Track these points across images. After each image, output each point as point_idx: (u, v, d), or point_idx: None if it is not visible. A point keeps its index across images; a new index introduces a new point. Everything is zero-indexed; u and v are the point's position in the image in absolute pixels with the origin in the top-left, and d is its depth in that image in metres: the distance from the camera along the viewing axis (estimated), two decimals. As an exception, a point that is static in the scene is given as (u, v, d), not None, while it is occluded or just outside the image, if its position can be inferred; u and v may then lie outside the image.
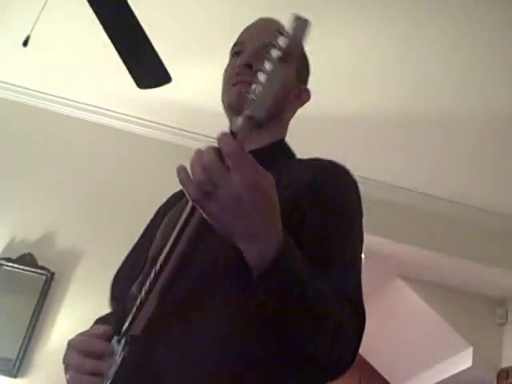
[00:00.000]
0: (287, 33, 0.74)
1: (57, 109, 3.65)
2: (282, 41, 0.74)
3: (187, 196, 0.80)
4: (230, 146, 0.76)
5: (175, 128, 3.66)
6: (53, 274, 3.21)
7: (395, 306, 4.21)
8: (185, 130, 3.65)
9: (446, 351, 4.03)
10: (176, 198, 1.27)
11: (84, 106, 3.64)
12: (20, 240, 3.29)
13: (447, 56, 2.86)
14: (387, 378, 4.95)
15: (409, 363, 4.42)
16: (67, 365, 0.98)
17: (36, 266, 3.20)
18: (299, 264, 0.87)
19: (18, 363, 3.00)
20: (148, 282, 0.95)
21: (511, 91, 2.97)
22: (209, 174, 0.77)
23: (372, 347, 4.85)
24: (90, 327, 1.05)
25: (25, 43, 1.94)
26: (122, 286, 1.21)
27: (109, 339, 0.98)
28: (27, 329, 3.08)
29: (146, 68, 2.32)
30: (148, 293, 0.95)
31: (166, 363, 0.93)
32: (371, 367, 5.00)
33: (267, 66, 0.75)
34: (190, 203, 0.84)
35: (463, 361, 3.88)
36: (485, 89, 3.00)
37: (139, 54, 2.30)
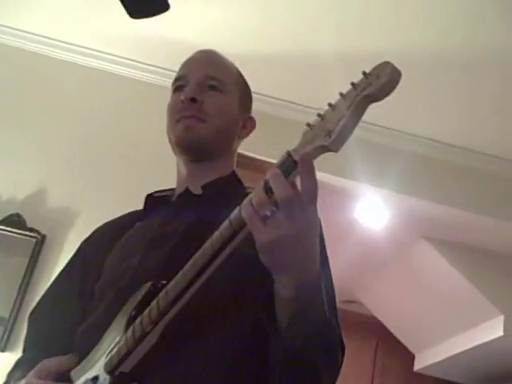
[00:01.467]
0: (377, 79, 0.80)
1: (44, 51, 3.27)
2: (367, 85, 0.80)
3: (246, 220, 0.84)
4: (285, 194, 0.81)
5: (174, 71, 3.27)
6: (44, 236, 2.95)
7: (418, 268, 3.97)
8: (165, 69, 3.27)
9: (476, 318, 3.80)
10: (117, 226, 1.25)
11: (74, 47, 3.27)
12: (6, 199, 3.00)
13: None
14: (407, 344, 4.74)
15: (432, 330, 4.21)
16: None
17: (25, 227, 2.94)
18: (325, 302, 0.91)
19: (5, 336, 2.74)
20: (151, 313, 0.92)
21: None
22: (284, 202, 0.81)
23: (391, 312, 4.61)
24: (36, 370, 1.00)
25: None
26: (48, 321, 1.20)
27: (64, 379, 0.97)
28: (17, 295, 2.82)
29: (140, -7, 1.96)
30: (153, 324, 0.91)
31: None
32: (389, 333, 4.78)
33: (344, 106, 0.81)
34: (226, 232, 0.87)
35: (494, 329, 3.64)
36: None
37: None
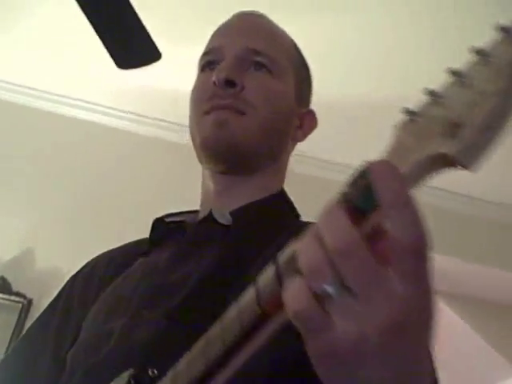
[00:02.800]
0: None
1: (31, 103, 3.21)
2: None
3: (289, 307, 0.44)
4: (402, 198, 0.43)
5: (172, 123, 3.17)
6: (30, 300, 2.85)
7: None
8: (183, 125, 3.19)
9: (490, 378, 3.67)
10: (116, 261, 0.92)
11: (62, 99, 3.20)
12: (-10, 261, 2.89)
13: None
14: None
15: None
16: None
17: (10, 292, 2.84)
18: None
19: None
20: None
21: None
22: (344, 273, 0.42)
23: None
24: None
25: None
26: None
27: None
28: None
29: (128, 42, 1.85)
30: None
31: None
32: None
33: (485, 75, 0.42)
34: (253, 309, 0.48)
35: (511, 388, 3.45)
36: None
37: (119, 25, 1.84)
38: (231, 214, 0.82)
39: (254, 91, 0.86)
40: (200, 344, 0.53)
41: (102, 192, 3.07)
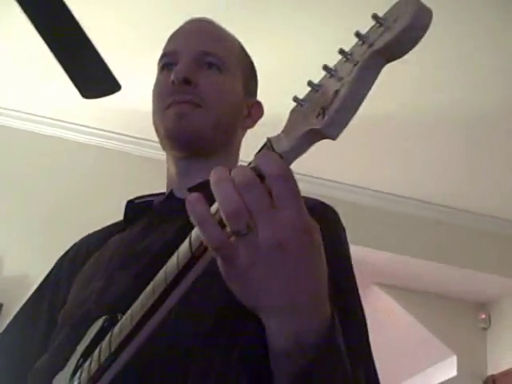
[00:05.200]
0: (393, 23, 0.50)
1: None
2: (379, 34, 0.51)
3: (206, 240, 0.55)
4: (279, 168, 0.53)
5: (133, 137, 3.38)
6: (0, 305, 2.95)
7: (372, 313, 4.03)
8: (144, 139, 3.37)
9: (429, 360, 3.89)
10: (96, 239, 1.03)
11: (30, 116, 3.33)
12: (-39, 268, 2.97)
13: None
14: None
15: (389, 372, 4.25)
16: None
17: None
18: (343, 355, 0.63)
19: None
20: (92, 363, 0.70)
21: (500, 92, 2.83)
22: (247, 206, 0.53)
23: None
24: None
25: None
26: (8, 357, 1.00)
27: None
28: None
29: (92, 76, 2.04)
30: (94, 379, 0.69)
31: None
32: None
33: (347, 68, 0.53)
34: (186, 252, 0.59)
35: (448, 369, 3.75)
36: (473, 89, 2.85)
37: (83, 61, 2.02)
38: (189, 189, 0.91)
39: (207, 87, 0.95)
40: (149, 287, 0.65)
41: (68, 204, 3.21)
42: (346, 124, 0.52)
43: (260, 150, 0.58)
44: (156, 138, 3.08)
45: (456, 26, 2.55)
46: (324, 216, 0.84)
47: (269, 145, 0.57)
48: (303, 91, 0.58)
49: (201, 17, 1.05)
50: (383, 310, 3.93)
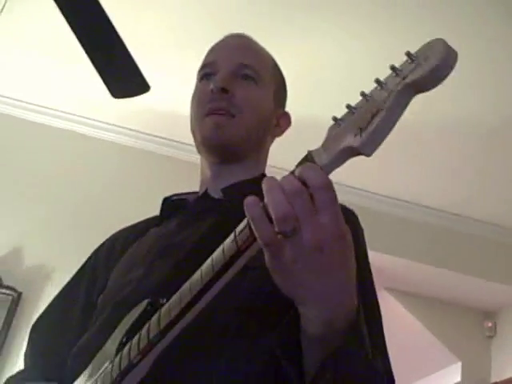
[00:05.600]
0: (425, 62, 0.58)
1: (23, 115, 3.41)
2: (412, 69, 0.59)
3: (259, 237, 0.62)
4: (322, 179, 0.61)
5: (156, 136, 3.46)
6: (20, 293, 3.01)
7: (383, 319, 4.09)
8: (160, 137, 3.46)
9: (434, 365, 3.95)
10: (131, 232, 1.11)
11: (54, 111, 3.41)
12: (-17, 258, 3.06)
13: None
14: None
15: (396, 378, 4.32)
16: None
17: (1, 285, 3.00)
18: (366, 342, 0.73)
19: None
20: (141, 340, 0.76)
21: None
22: (295, 210, 0.61)
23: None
24: None
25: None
26: (48, 338, 1.07)
27: None
28: (-7, 352, 2.86)
29: (122, 76, 2.12)
30: (142, 355, 0.75)
31: None
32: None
33: (382, 96, 0.61)
34: (231, 246, 0.67)
35: (452, 375, 3.80)
36: (487, 98, 2.89)
37: (114, 62, 2.10)
38: (222, 190, 1.02)
39: (242, 97, 1.03)
40: (196, 274, 0.72)
41: (88, 199, 3.30)
42: (380, 144, 0.61)
43: (301, 162, 0.66)
44: (179, 139, 3.19)
45: (474, 39, 2.59)
46: (348, 218, 0.92)
47: (310, 157, 0.65)
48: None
49: (239, 33, 1.14)
50: (392, 314, 3.99)
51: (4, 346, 2.92)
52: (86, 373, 0.85)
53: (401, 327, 3.99)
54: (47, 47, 2.99)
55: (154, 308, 0.79)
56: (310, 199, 0.61)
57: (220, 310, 0.78)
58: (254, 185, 0.84)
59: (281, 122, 1.12)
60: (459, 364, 3.75)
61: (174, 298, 0.73)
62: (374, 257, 3.26)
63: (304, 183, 0.61)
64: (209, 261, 0.70)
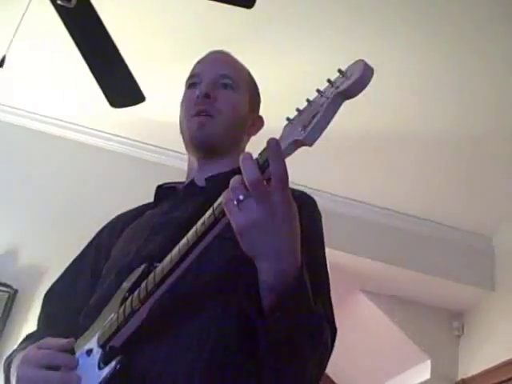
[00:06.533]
0: (351, 76, 0.78)
1: (17, 121, 3.61)
2: (342, 82, 0.79)
3: (247, 176, 0.81)
4: (280, 164, 0.80)
5: (139, 142, 3.67)
6: (16, 291, 3.15)
7: (357, 319, 4.27)
8: (149, 144, 3.67)
9: (406, 363, 4.10)
10: (130, 215, 1.30)
11: (46, 118, 3.61)
12: (-21, 257, 3.19)
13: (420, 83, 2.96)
14: (347, 389, 5.02)
15: (369, 375, 4.49)
16: (23, 379, 0.94)
17: None
18: (309, 290, 0.90)
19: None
20: (140, 292, 0.94)
21: (479, 116, 3.09)
22: (250, 185, 0.81)
23: (332, 360, 4.89)
24: (40, 342, 1.00)
25: (0, 64, 1.94)
26: (60, 302, 1.23)
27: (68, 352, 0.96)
28: (-11, 348, 2.98)
29: (120, 87, 2.33)
30: (141, 303, 0.93)
31: (150, 377, 0.93)
32: (331, 380, 5.05)
33: (321, 101, 0.81)
34: (210, 217, 0.86)
35: (421, 373, 3.96)
36: (456, 113, 3.11)
37: (113, 73, 2.31)
38: (206, 179, 1.22)
39: (222, 102, 1.23)
40: (183, 240, 0.90)
41: (79, 202, 3.48)
42: (319, 137, 0.80)
43: (264, 149, 0.85)
44: (162, 145, 3.41)
45: (451, 53, 2.79)
46: (306, 201, 1.15)
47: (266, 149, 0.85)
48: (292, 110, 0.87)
49: (220, 49, 1.36)
50: (367, 315, 4.18)
51: (1, 341, 3.05)
52: (94, 325, 1.01)
53: (375, 327, 4.18)
54: (46, 56, 3.16)
55: (150, 270, 0.96)
56: (265, 185, 0.82)
57: (201, 273, 0.97)
58: (233, 175, 1.04)
59: (255, 123, 1.33)
60: (428, 362, 3.92)
61: (166, 259, 0.92)
62: (350, 259, 3.47)
63: (266, 167, 0.81)
64: (193, 229, 0.89)
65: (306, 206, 1.10)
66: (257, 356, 0.89)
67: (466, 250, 3.88)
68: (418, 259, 3.83)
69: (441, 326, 4.03)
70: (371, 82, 0.78)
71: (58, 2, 2.00)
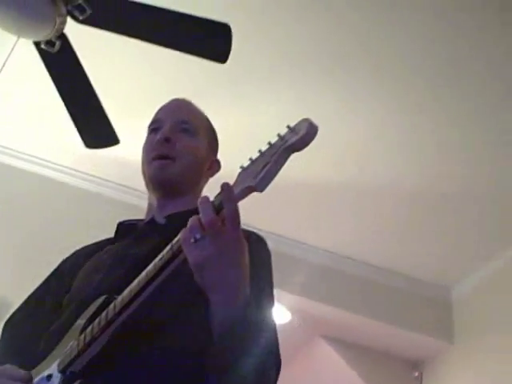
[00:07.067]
0: (298, 132, 0.88)
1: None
2: (290, 137, 0.89)
3: (204, 218, 0.90)
4: (233, 206, 0.90)
5: (112, 182, 3.74)
6: None
7: (316, 364, 4.30)
8: (123, 185, 3.73)
9: None
10: (92, 248, 1.34)
11: (19, 154, 3.68)
12: None
13: (380, 130, 3.11)
14: None
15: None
16: None
17: None
18: (253, 320, 0.96)
19: None
20: (101, 321, 0.99)
21: (438, 168, 3.24)
22: (206, 225, 0.90)
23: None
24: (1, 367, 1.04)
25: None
26: (19, 330, 1.25)
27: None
28: None
29: (95, 129, 2.41)
30: (101, 331, 0.98)
31: None
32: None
33: (271, 153, 0.90)
34: (168, 252, 0.94)
35: (381, 421, 3.99)
36: (411, 163, 3.26)
37: (89, 116, 2.39)
38: (165, 217, 1.28)
39: (181, 146, 1.29)
40: (143, 273, 0.97)
41: (47, 237, 3.50)
42: (268, 184, 0.89)
43: (219, 193, 0.93)
44: (135, 186, 3.45)
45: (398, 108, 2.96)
46: (256, 239, 1.22)
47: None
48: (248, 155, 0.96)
49: (182, 97, 1.44)
50: (326, 361, 4.20)
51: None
52: (54, 352, 1.06)
53: (333, 374, 4.20)
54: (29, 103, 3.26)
55: (109, 302, 1.02)
56: (220, 223, 0.91)
57: (159, 303, 1.02)
58: (191, 214, 1.12)
59: (213, 166, 1.40)
60: (388, 410, 3.95)
61: (126, 291, 0.99)
62: (311, 306, 3.51)
63: (221, 205, 0.90)
64: (152, 264, 0.97)
65: (255, 243, 1.17)
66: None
67: (426, 301, 3.97)
68: (379, 308, 3.91)
69: (400, 375, 4.07)
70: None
71: (42, 47, 2.09)
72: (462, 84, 2.76)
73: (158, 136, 1.30)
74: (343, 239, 3.86)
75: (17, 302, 1.35)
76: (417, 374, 4.07)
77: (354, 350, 4.09)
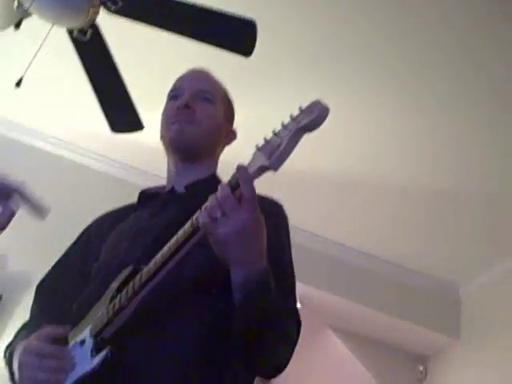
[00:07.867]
0: (310, 114, 0.92)
1: (14, 136, 3.78)
2: (302, 118, 0.93)
3: (201, 223, 0.97)
4: (249, 184, 0.95)
5: (128, 165, 3.87)
6: (0, 296, 3.25)
7: (323, 354, 4.36)
8: (134, 168, 3.85)
9: None
10: (115, 216, 1.39)
11: (45, 137, 3.80)
12: (-33, 263, 3.26)
13: (401, 132, 3.15)
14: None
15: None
16: (24, 365, 1.05)
17: None
18: (273, 289, 1.03)
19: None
20: (128, 291, 1.05)
21: (449, 168, 3.28)
22: (224, 205, 0.95)
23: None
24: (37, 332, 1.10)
25: (17, 84, 2.10)
26: (51, 293, 1.33)
27: (60, 342, 1.07)
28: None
29: (121, 115, 2.49)
30: (128, 301, 1.05)
31: (139, 365, 1.03)
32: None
33: (284, 133, 0.94)
34: (189, 228, 1.00)
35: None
36: (429, 163, 3.29)
37: (117, 102, 2.48)
38: (185, 187, 1.32)
39: (200, 112, 1.34)
40: (166, 246, 1.03)
41: (66, 214, 3.51)
42: (282, 163, 0.93)
43: (233, 176, 0.99)
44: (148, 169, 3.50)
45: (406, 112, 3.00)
46: (272, 210, 1.25)
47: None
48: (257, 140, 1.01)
49: (201, 67, 1.49)
50: (332, 351, 4.25)
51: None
52: (86, 318, 1.12)
53: (339, 364, 4.24)
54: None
55: (136, 272, 1.08)
56: (236, 201, 0.96)
57: (181, 276, 1.08)
58: (208, 182, 1.21)
59: (229, 134, 1.44)
60: (391, 402, 4.00)
61: (151, 263, 1.05)
62: (322, 296, 3.54)
63: (238, 183, 0.96)
64: (174, 238, 1.02)
65: (271, 214, 1.17)
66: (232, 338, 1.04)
67: (434, 296, 4.03)
68: (388, 302, 3.97)
69: (406, 368, 4.14)
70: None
71: (74, 35, 2.18)
72: (479, 87, 2.79)
73: (178, 102, 1.34)
74: (355, 232, 3.91)
75: (37, 278, 1.41)
76: (421, 368, 4.13)
77: (360, 341, 4.15)
